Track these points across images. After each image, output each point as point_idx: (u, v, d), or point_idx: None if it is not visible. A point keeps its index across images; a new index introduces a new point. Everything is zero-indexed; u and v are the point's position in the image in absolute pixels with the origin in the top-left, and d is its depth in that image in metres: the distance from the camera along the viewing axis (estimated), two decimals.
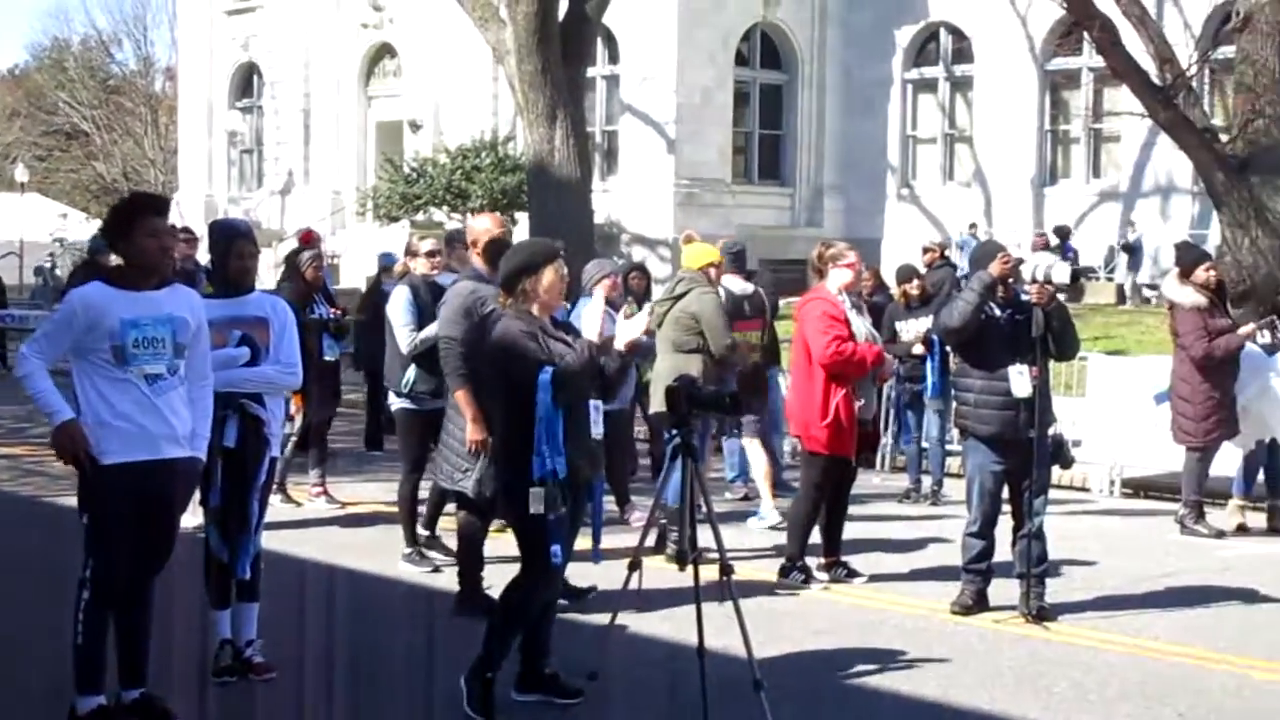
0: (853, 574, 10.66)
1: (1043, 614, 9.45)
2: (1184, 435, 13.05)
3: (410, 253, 11.78)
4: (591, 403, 7.25)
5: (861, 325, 10.53)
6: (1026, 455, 9.40)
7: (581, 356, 7.01)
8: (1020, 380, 9.35)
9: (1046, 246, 29.14)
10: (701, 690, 6.92)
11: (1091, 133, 35.98)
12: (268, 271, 27.16)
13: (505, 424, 7.20)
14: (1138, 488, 15.48)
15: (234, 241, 7.85)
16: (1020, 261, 9.42)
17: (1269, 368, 13.14)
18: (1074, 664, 8.50)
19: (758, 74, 39.07)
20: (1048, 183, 36.31)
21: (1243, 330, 12.98)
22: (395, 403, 10.98)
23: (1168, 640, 9.07)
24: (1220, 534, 12.83)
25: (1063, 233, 32.53)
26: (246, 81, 47.49)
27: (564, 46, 24.47)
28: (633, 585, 7.26)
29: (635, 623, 8.76)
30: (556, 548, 6.95)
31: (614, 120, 38.61)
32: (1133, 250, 32.28)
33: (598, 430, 7.29)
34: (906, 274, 14.80)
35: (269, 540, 8.55)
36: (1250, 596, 10.36)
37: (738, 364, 11.49)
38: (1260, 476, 13.41)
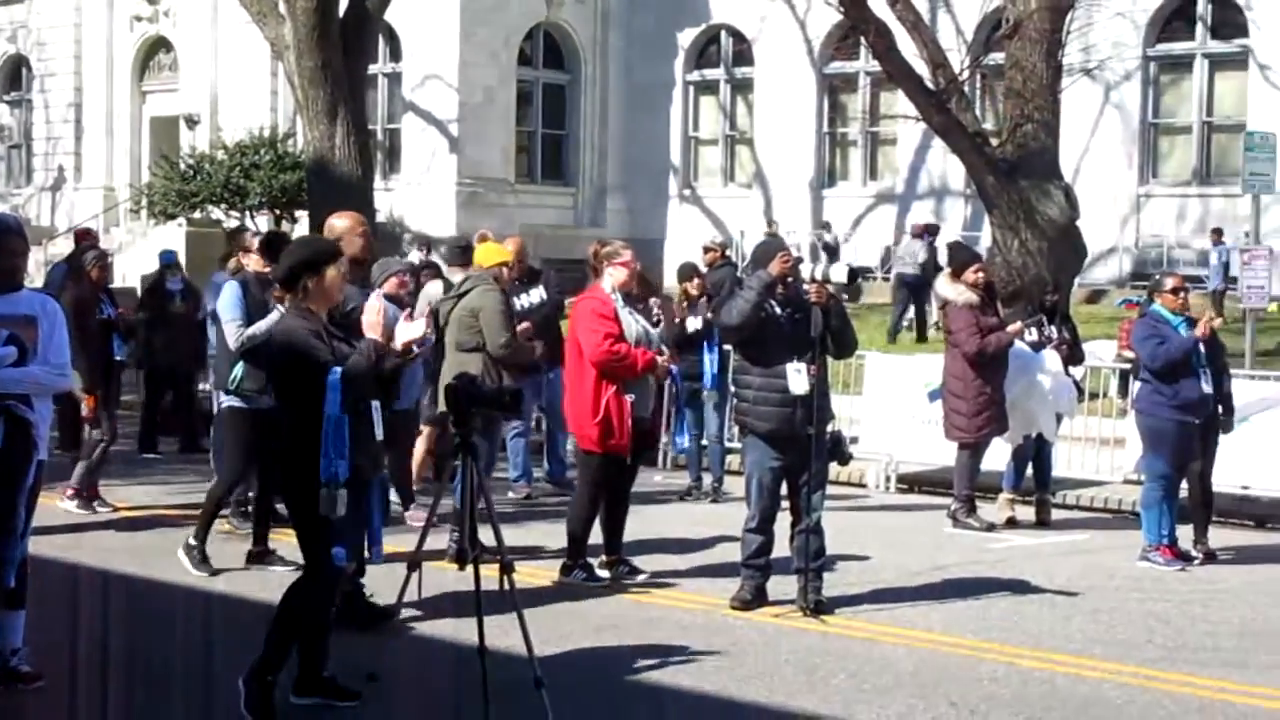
0: (634, 571, 10.72)
1: (820, 608, 9.61)
2: (956, 431, 13.38)
3: (244, 249, 11.59)
4: (373, 404, 7.18)
5: (634, 324, 10.59)
6: (804, 451, 9.55)
7: (367, 357, 6.94)
8: (798, 378, 9.50)
9: (924, 235, 28.95)
10: (483, 690, 6.89)
11: (868, 136, 36.69)
12: (37, 270, 26.41)
13: (291, 424, 7.08)
14: (912, 483, 15.83)
15: (3, 238, 7.60)
16: (800, 260, 9.58)
17: (1036, 365, 13.55)
18: (850, 656, 8.66)
19: (541, 74, 39.08)
20: (826, 184, 36.92)
21: (1011, 328, 13.34)
22: (223, 400, 10.81)
23: (941, 631, 9.30)
24: (991, 527, 13.18)
25: (932, 230, 31.71)
26: (15, 74, 46.03)
27: (344, 43, 24.13)
28: (413, 586, 7.20)
29: (417, 624, 8.71)
30: (340, 550, 6.87)
31: (396, 118, 38.29)
32: (831, 250, 32.33)
33: (379, 431, 7.23)
34: (687, 273, 14.92)
35: (40, 546, 8.30)
36: (1019, 587, 10.66)
37: (521, 362, 11.45)
38: (1029, 470, 13.85)
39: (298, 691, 7.26)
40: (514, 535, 11.61)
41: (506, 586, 6.99)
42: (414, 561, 7.11)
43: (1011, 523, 13.41)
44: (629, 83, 39.02)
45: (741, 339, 9.68)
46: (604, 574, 10.60)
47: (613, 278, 10.55)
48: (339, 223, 9.46)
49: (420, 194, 36.51)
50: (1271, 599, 10.48)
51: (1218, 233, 29.74)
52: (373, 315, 7.15)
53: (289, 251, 7.45)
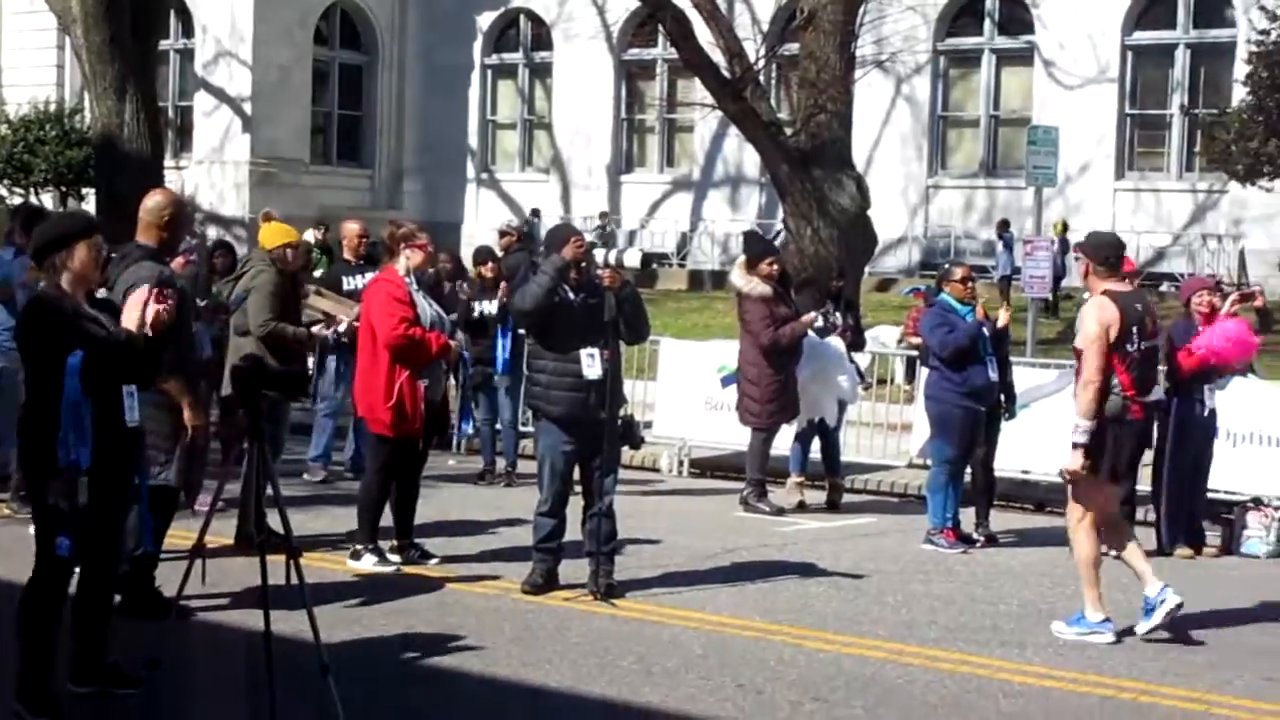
0: (426, 555, 10.66)
1: (611, 591, 9.66)
2: (750, 416, 13.54)
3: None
4: (125, 389, 6.95)
5: (428, 308, 10.53)
6: (597, 436, 9.58)
7: (116, 339, 6.71)
8: (591, 363, 9.53)
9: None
10: (268, 677, 6.80)
11: (666, 123, 36.96)
12: None
13: (30, 405, 6.85)
14: (705, 468, 15.98)
15: None
16: (593, 245, 9.61)
17: (823, 351, 13.76)
18: (639, 639, 8.72)
19: (337, 54, 38.65)
20: (624, 170, 37.10)
21: (805, 318, 13.52)
22: None
23: (729, 614, 9.40)
24: (781, 511, 13.37)
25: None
26: None
27: (134, 17, 23.57)
28: (197, 573, 7.08)
29: (203, 612, 8.56)
30: (64, 540, 6.63)
31: (188, 96, 37.59)
32: (607, 240, 32.48)
33: (132, 417, 6.99)
34: (482, 256, 14.87)
35: None
36: (807, 571, 10.83)
37: (286, 345, 11.13)
38: (818, 456, 14.08)
39: (76, 680, 7.07)
40: (307, 519, 11.53)
41: (293, 573, 6.88)
42: (197, 548, 6.98)
43: (801, 506, 13.63)
44: (427, 65, 38.80)
45: (535, 324, 9.68)
46: (395, 558, 10.51)
47: (408, 260, 10.47)
48: (150, 200, 9.22)
49: (213, 173, 35.89)
50: (1050, 580, 10.78)
51: (1004, 224, 30.51)
52: (138, 300, 6.83)
53: (39, 229, 7.20)
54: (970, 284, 12.51)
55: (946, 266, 13.54)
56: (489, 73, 38.78)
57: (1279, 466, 13.23)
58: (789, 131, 21.08)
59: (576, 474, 9.85)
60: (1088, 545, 9.13)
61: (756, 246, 14.08)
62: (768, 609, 9.60)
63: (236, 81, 36.18)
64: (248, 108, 36.15)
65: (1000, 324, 12.48)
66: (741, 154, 33.98)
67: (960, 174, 34.00)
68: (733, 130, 34.19)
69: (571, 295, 9.58)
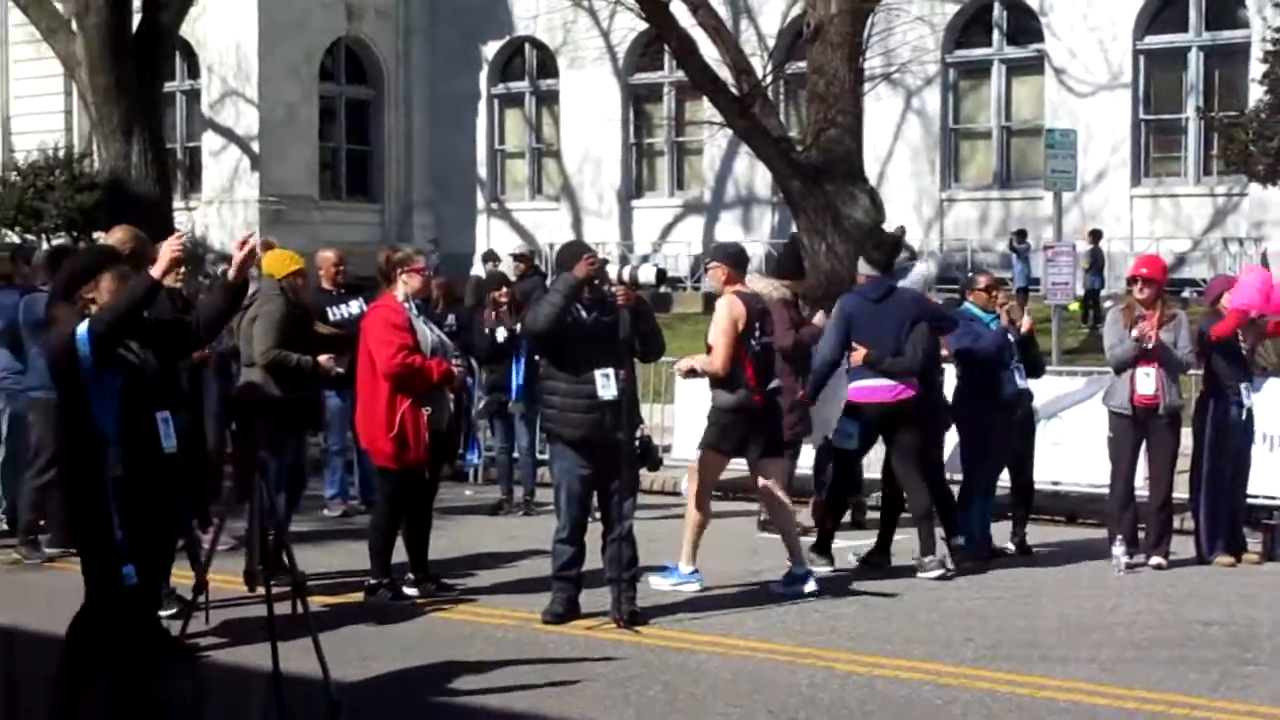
0: (443, 588, 10.36)
1: (634, 618, 9.34)
2: None
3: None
4: (159, 415, 6.75)
5: (429, 334, 10.25)
6: (614, 458, 9.29)
7: (127, 296, 6.56)
8: (606, 383, 9.24)
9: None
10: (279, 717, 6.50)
11: (674, 145, 36.70)
12: None
13: (68, 431, 6.67)
14: (724, 489, 15.53)
15: None
16: (606, 262, 9.32)
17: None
18: (665, 667, 8.41)
19: (343, 89, 38.48)
20: (634, 195, 36.84)
21: (818, 318, 13.20)
22: None
23: (757, 639, 9.08)
24: (805, 531, 13.00)
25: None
26: None
27: (139, 59, 23.43)
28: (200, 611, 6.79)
29: (211, 651, 8.26)
30: (130, 568, 6.41)
31: (195, 136, 37.45)
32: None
33: (169, 444, 6.77)
34: (495, 281, 14.60)
35: None
36: (837, 590, 10.48)
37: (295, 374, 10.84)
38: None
39: None
40: (322, 556, 11.26)
41: (300, 608, 6.58)
42: (199, 584, 6.68)
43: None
44: (433, 96, 38.61)
45: (548, 344, 9.37)
46: (411, 592, 10.22)
47: (406, 285, 10.19)
48: (111, 236, 9.04)
49: (223, 212, 35.72)
50: (1087, 594, 10.45)
51: (1020, 234, 30.22)
52: (171, 246, 6.74)
53: (65, 265, 7.04)
54: (994, 293, 12.24)
55: (970, 275, 13.28)
56: (495, 102, 38.56)
57: None
58: (800, 147, 20.74)
59: (595, 499, 9.55)
60: (696, 512, 10.51)
61: (790, 264, 13.77)
62: (797, 632, 9.28)
63: (244, 120, 36.03)
64: (255, 146, 35.98)
65: (1024, 330, 12.16)
66: (753, 174, 33.71)
67: (974, 186, 33.66)
68: (743, 150, 33.97)
69: (585, 314, 9.29)
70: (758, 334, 10.38)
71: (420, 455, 9.99)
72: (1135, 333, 11.44)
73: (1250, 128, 25.08)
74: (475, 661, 8.48)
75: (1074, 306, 27.64)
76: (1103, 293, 29.04)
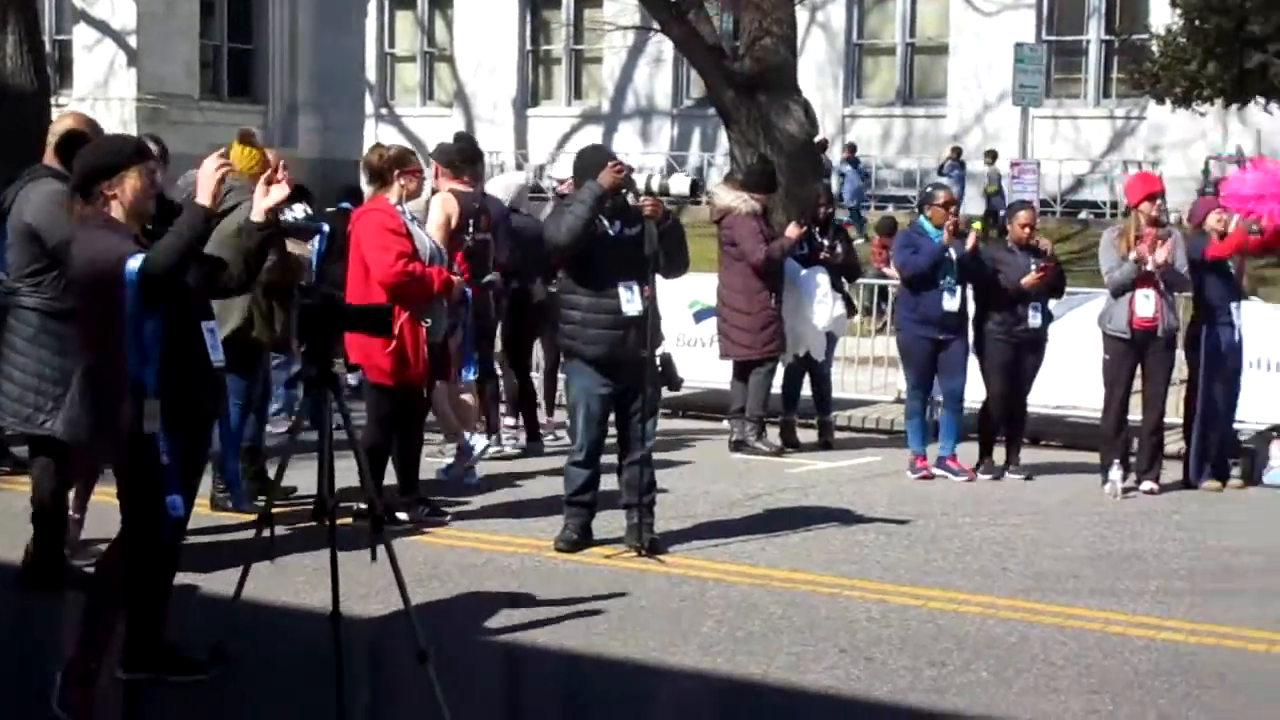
0: (437, 512, 9.79)
1: (655, 546, 8.88)
2: (740, 349, 12.76)
3: None
4: (205, 324, 6.12)
5: (426, 240, 9.65)
6: (636, 377, 8.78)
7: (182, 231, 5.85)
8: (631, 298, 8.73)
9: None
10: (337, 667, 5.89)
11: (573, 54, 35.92)
12: None
13: (96, 346, 6.02)
14: (675, 407, 15.10)
15: None
16: (633, 170, 8.75)
17: (801, 283, 12.97)
18: (709, 601, 7.94)
19: None
20: (530, 104, 36.05)
21: (791, 230, 12.78)
22: None
23: (789, 568, 8.65)
24: (781, 451, 12.69)
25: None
26: None
27: None
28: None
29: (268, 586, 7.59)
30: (175, 498, 5.81)
31: (65, 30, 35.88)
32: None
33: (217, 356, 6.15)
34: None
35: None
36: (844, 516, 10.10)
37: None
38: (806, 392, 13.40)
39: (127, 666, 6.16)
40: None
41: (380, 548, 6.01)
42: (265, 516, 6.08)
43: (793, 445, 12.95)
44: None
45: (570, 257, 8.80)
46: (402, 516, 9.64)
47: (404, 188, 9.56)
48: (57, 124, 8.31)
49: (97, 110, 34.19)
50: (1098, 521, 10.20)
51: (956, 151, 30.05)
52: (210, 170, 5.97)
53: (81, 154, 6.31)
54: (952, 209, 12.06)
55: (929, 189, 12.90)
56: (386, 3, 37.44)
57: None
58: (735, 58, 20.23)
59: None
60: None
61: (760, 178, 13.24)
62: (826, 561, 8.87)
63: (119, 14, 34.60)
64: (132, 41, 34.59)
65: (969, 247, 11.80)
66: (652, 85, 33.18)
67: (877, 103, 33.39)
68: (643, 61, 33.52)
69: (608, 225, 8.74)
70: (471, 229, 10.71)
71: (419, 371, 9.41)
72: (1134, 254, 11.17)
73: (1168, 51, 24.95)
74: (506, 593, 7.96)
75: (977, 226, 27.49)
76: (1002, 212, 28.91)
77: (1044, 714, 6.30)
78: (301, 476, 8.42)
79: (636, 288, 8.74)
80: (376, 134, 36.72)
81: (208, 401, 6.08)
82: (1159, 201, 11.37)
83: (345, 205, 14.23)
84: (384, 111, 37.22)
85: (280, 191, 6.15)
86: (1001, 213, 28.19)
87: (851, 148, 31.48)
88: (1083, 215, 29.46)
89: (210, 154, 6.07)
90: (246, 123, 36.85)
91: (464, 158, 11.23)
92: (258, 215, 6.19)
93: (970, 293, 11.85)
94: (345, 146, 35.84)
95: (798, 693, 6.57)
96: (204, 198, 5.88)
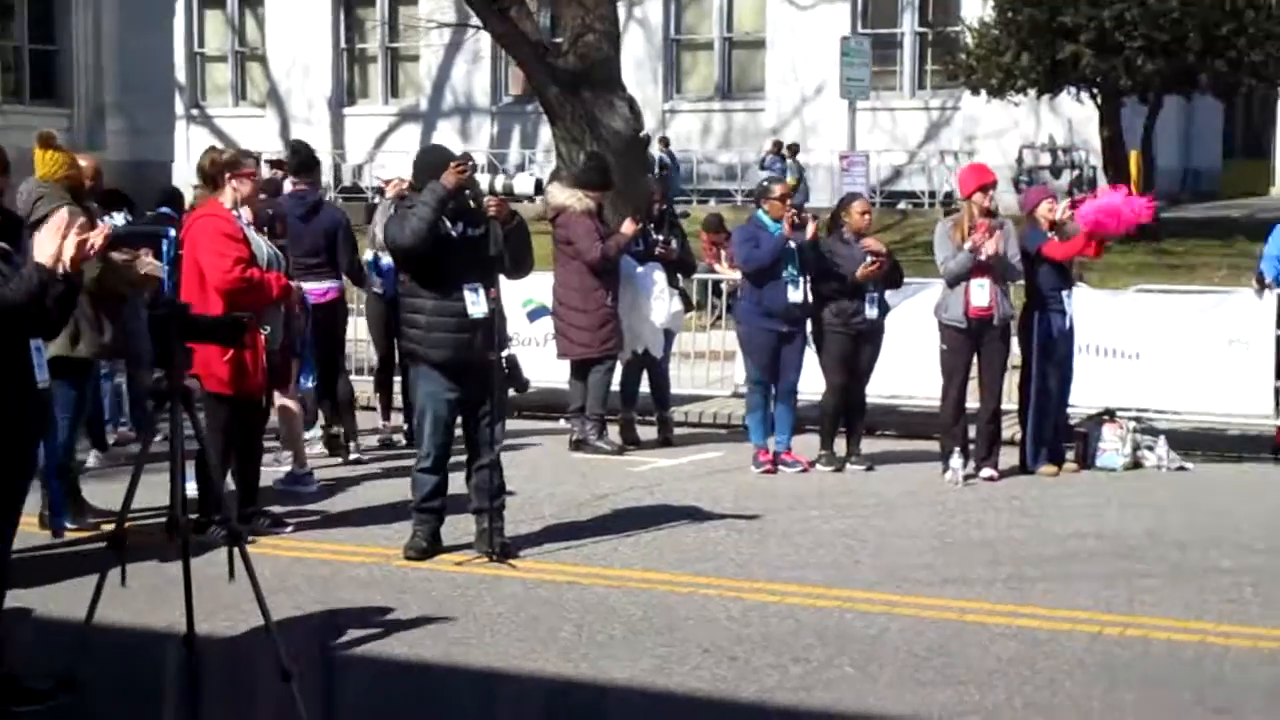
0: (278, 523, 9.56)
1: (506, 551, 8.74)
2: (578, 348, 12.67)
3: None
4: (33, 343, 5.86)
5: (264, 245, 9.41)
6: (484, 380, 8.63)
7: (27, 283, 5.59)
8: (476, 300, 8.58)
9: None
10: (193, 687, 5.69)
11: (388, 51, 35.52)
12: None
13: None
14: (511, 406, 14.94)
15: None
16: (475, 168, 8.60)
17: (637, 281, 12.92)
18: (565, 605, 7.83)
19: None
20: (345, 102, 35.57)
21: (627, 226, 12.71)
22: None
23: (644, 569, 8.58)
24: (621, 450, 12.62)
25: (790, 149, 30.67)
26: None
27: None
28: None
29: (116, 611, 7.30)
30: None
31: None
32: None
33: (42, 376, 5.90)
34: None
35: None
36: (694, 514, 10.03)
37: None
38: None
39: None
40: (114, 490, 10.23)
41: (238, 561, 5.81)
42: (116, 534, 5.84)
43: (633, 443, 12.89)
44: None
45: (414, 260, 8.62)
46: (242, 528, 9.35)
47: (236, 192, 9.30)
48: None
49: None
50: (941, 509, 10.31)
51: (777, 145, 30.19)
52: (54, 230, 5.71)
53: None
54: (787, 202, 12.12)
55: (765, 184, 12.96)
56: (194, 2, 36.67)
57: (1124, 377, 13.06)
58: (558, 54, 20.15)
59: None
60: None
61: (594, 175, 13.11)
62: (679, 560, 8.81)
63: None
64: None
65: (809, 237, 11.85)
66: (471, 83, 32.95)
67: (696, 98, 33.52)
68: (461, 58, 33.26)
69: (451, 227, 8.57)
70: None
71: (259, 380, 9.18)
72: (968, 244, 11.29)
73: (983, 43, 25.39)
74: (358, 606, 7.77)
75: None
76: (806, 205, 29.15)
77: (912, 706, 6.30)
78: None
79: (482, 289, 8.61)
80: (188, 136, 36.05)
81: (30, 424, 5.80)
82: (991, 192, 11.50)
83: (165, 210, 13.88)
84: (195, 113, 36.49)
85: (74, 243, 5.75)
86: (806, 204, 28.78)
87: (664, 141, 31.51)
88: (902, 205, 29.89)
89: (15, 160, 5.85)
90: (51, 125, 35.89)
91: (300, 164, 11.46)
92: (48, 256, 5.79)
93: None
94: (156, 148, 34.99)
95: (665, 696, 6.49)
96: (45, 257, 5.63)
